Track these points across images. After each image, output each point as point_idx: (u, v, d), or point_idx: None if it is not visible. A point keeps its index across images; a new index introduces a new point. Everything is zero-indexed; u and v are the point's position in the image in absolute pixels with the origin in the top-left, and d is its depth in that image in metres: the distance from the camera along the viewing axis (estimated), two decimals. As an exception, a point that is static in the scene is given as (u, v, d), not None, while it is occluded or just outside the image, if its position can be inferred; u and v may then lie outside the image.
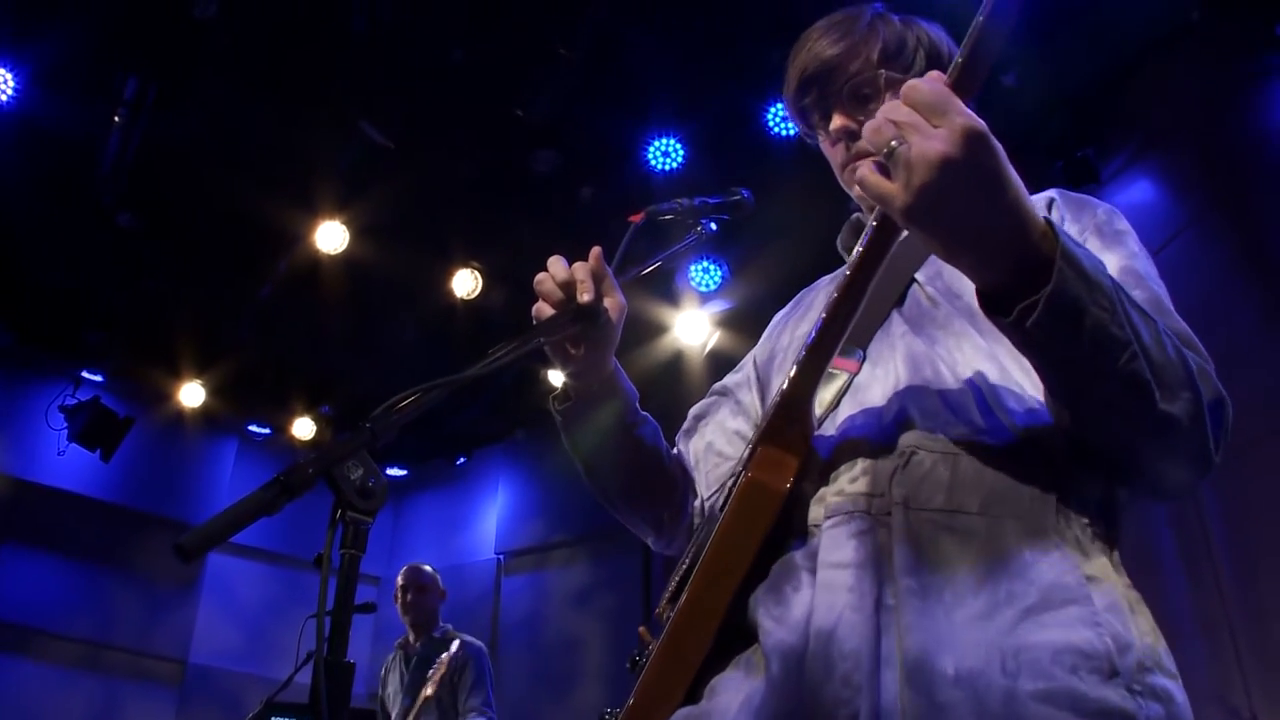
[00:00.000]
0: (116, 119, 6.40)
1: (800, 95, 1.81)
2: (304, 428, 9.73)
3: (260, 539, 9.36)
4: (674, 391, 8.86)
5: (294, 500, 1.10)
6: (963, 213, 1.15)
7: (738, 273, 7.63)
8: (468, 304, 7.82)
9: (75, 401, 8.71)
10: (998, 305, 1.21)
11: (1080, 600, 1.26)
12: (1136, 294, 1.38)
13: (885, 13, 1.81)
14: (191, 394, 9.11)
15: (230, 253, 7.61)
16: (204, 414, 9.47)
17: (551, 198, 7.06)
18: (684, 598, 1.42)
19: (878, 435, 1.44)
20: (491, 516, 10.38)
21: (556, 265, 1.76)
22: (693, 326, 8.21)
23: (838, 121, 1.74)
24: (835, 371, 1.58)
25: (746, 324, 7.83)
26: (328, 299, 7.78)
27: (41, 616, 8.67)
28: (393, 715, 5.97)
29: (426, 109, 6.52)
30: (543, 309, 1.76)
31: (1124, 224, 1.63)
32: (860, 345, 1.61)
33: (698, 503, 1.94)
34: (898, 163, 1.15)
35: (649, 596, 8.72)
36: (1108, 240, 1.57)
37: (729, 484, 1.57)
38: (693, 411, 2.11)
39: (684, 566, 1.61)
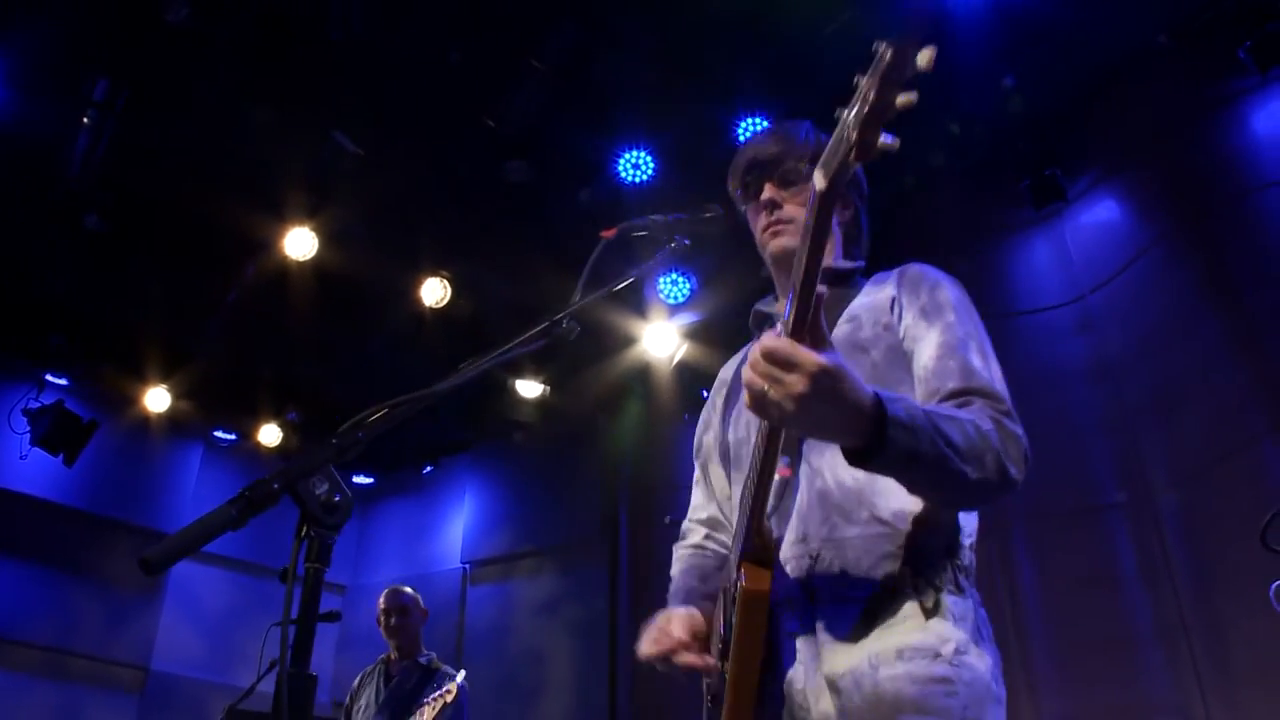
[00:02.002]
0: (86, 120, 6.37)
1: (746, 173, 2.40)
2: (270, 434, 9.67)
3: (224, 546, 9.20)
4: (642, 403, 8.88)
5: (258, 515, 1.11)
6: (817, 421, 1.67)
7: (706, 285, 7.65)
8: (436, 313, 7.81)
9: (39, 405, 8.62)
10: (857, 458, 1.72)
11: (917, 619, 1.92)
12: (950, 364, 2.01)
13: (815, 127, 2.40)
14: (157, 399, 9.05)
15: (198, 257, 7.56)
16: (169, 419, 9.41)
17: (522, 208, 7.07)
18: (729, 676, 1.96)
19: (798, 538, 2.05)
20: (458, 525, 10.35)
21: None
22: (661, 339, 8.23)
23: (768, 193, 2.34)
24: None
25: (714, 336, 7.85)
26: (296, 305, 7.74)
27: (1, 622, 8.57)
28: (359, 729, 5.95)
29: (398, 117, 6.51)
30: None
31: (946, 294, 2.15)
32: (788, 453, 2.13)
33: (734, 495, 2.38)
34: (767, 403, 1.63)
35: (615, 607, 8.72)
36: (930, 318, 2.11)
37: (730, 590, 2.02)
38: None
39: (720, 634, 2.08)
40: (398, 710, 5.81)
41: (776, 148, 2.36)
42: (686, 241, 2.40)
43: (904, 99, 1.45)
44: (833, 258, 2.37)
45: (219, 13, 5.67)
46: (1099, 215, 6.60)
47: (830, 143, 1.58)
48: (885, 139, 1.48)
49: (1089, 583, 5.98)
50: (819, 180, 1.61)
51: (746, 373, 1.65)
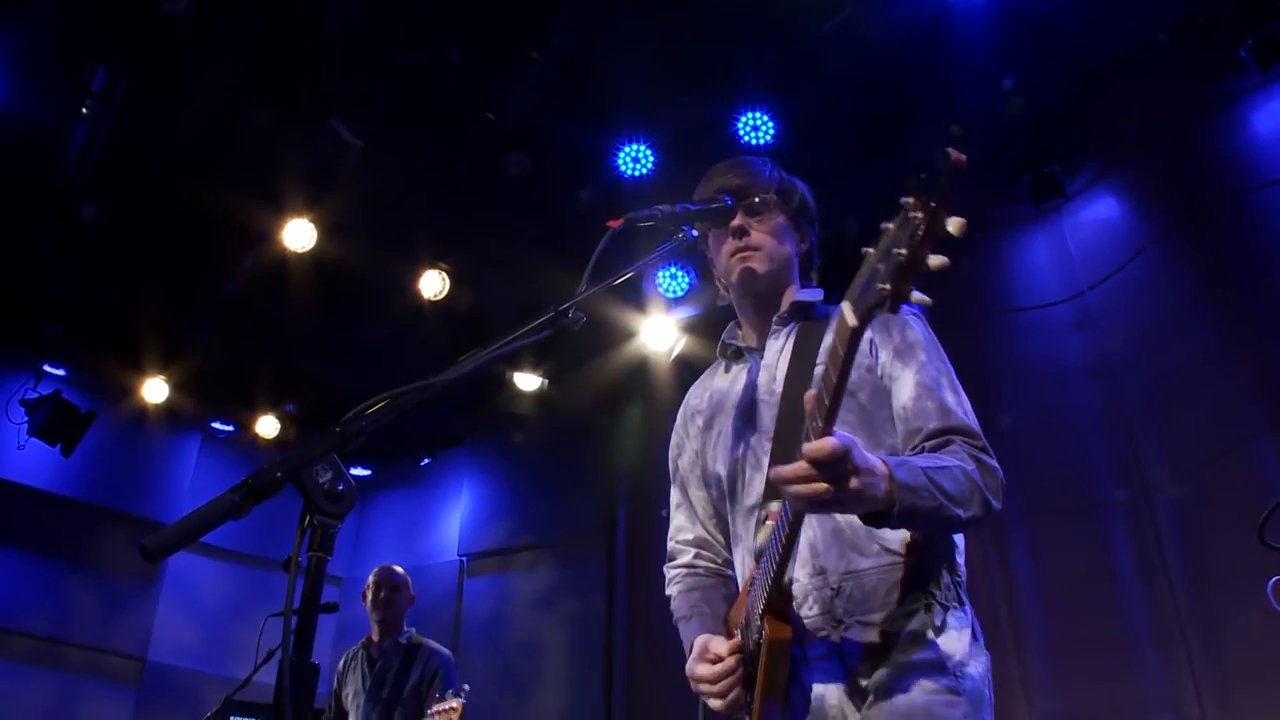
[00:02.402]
0: (84, 111, 6.35)
1: (711, 201, 2.54)
2: (268, 426, 9.67)
3: (221, 538, 9.22)
4: (640, 397, 8.87)
5: (261, 504, 1.11)
6: (840, 504, 1.89)
7: (705, 279, 7.64)
8: (435, 305, 7.80)
9: (36, 395, 8.61)
10: (873, 519, 1.95)
11: (929, 637, 2.17)
12: (928, 405, 2.24)
13: (775, 164, 2.69)
14: (155, 390, 9.03)
15: (196, 248, 7.55)
16: (167, 410, 9.39)
17: (521, 201, 7.06)
18: (755, 704, 2.19)
19: (815, 571, 2.27)
20: (455, 518, 10.34)
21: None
22: (660, 332, 8.23)
23: (738, 220, 2.52)
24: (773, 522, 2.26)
25: (713, 330, 7.83)
26: (294, 297, 7.73)
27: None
28: (351, 717, 5.95)
29: (398, 109, 6.50)
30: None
31: (915, 333, 2.36)
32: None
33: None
34: (806, 500, 1.85)
35: (612, 601, 8.72)
36: (904, 359, 2.32)
37: (755, 640, 2.24)
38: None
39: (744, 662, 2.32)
40: (387, 694, 5.83)
41: (740, 180, 2.57)
42: (694, 233, 2.43)
43: (937, 261, 1.48)
44: (795, 292, 2.59)
45: (218, 3, 5.66)
46: (1098, 212, 6.59)
47: (860, 281, 1.62)
48: (917, 295, 1.52)
49: (1086, 579, 5.99)
50: (850, 317, 1.66)
51: (803, 489, 1.83)
